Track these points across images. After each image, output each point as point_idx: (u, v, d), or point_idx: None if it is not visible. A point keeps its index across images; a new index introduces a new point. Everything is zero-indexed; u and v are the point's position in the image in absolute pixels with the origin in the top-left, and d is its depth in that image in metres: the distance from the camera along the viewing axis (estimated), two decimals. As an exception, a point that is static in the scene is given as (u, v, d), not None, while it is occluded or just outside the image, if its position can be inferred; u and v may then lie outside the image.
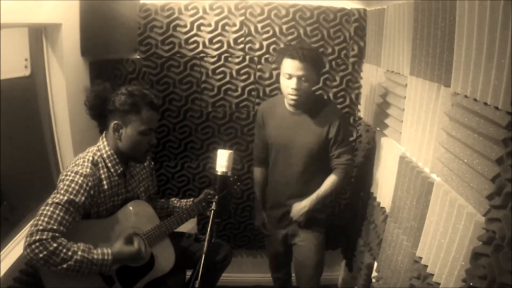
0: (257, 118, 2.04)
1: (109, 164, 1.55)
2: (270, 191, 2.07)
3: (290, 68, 1.74)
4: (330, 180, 1.90)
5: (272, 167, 2.02)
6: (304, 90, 1.77)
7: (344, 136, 1.87)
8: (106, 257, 1.40)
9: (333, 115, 1.85)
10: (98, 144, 1.58)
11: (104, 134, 1.60)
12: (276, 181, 2.02)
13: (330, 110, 1.88)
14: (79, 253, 1.33)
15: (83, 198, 1.41)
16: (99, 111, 1.55)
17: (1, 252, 1.55)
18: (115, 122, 1.53)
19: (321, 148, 1.87)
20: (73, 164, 1.48)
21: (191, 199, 1.89)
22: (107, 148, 1.56)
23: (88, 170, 1.46)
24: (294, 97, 1.78)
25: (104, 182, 1.53)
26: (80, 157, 1.52)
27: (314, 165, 1.90)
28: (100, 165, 1.53)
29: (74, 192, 1.39)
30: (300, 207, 1.91)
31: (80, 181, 1.41)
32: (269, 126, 1.97)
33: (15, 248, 1.60)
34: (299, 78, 1.74)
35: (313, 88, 2.01)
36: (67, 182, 1.40)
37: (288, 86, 1.77)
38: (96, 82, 1.62)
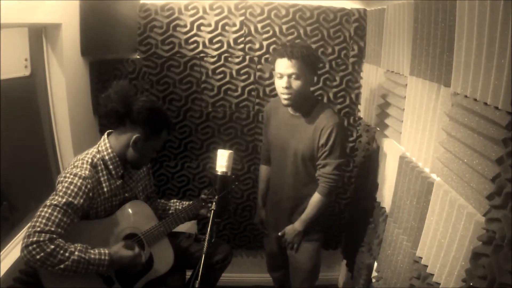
0: (264, 116, 2.05)
1: (111, 167, 1.55)
2: (270, 191, 2.07)
3: (280, 67, 1.71)
4: (314, 201, 1.84)
5: (271, 167, 2.03)
6: (296, 89, 1.71)
7: (334, 145, 1.74)
8: (103, 257, 1.40)
9: (328, 121, 1.75)
10: (98, 145, 1.56)
11: (106, 135, 1.59)
12: (273, 182, 2.02)
13: (327, 115, 1.77)
14: (76, 253, 1.32)
15: (81, 201, 1.40)
16: (119, 115, 1.52)
17: (1, 252, 1.55)
18: (137, 136, 1.53)
19: (314, 155, 1.81)
20: (72, 166, 1.47)
21: (191, 201, 1.88)
22: (109, 150, 1.55)
23: (87, 172, 1.45)
24: (285, 96, 1.73)
25: (103, 185, 1.53)
26: (78, 159, 1.50)
27: (307, 171, 1.85)
28: (99, 167, 1.52)
29: (73, 194, 1.38)
30: (292, 230, 1.90)
31: (79, 184, 1.40)
32: (270, 126, 1.96)
33: (15, 248, 1.60)
34: (289, 76, 1.69)
35: (313, 89, 1.97)
36: (66, 184, 1.39)
37: (280, 86, 1.73)
38: (119, 83, 1.58)
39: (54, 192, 1.39)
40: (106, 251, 1.42)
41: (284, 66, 1.69)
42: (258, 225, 2.21)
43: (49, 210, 1.32)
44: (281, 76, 1.72)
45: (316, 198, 1.84)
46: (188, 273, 1.92)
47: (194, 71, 2.30)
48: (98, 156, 1.53)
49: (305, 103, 1.80)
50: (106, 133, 1.60)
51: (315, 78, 1.84)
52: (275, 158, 1.97)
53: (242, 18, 2.23)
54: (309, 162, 1.83)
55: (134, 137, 1.52)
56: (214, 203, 1.40)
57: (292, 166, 1.86)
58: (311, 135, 1.78)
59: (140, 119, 1.52)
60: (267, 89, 2.34)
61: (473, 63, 1.13)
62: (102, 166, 1.53)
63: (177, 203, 1.91)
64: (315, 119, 1.78)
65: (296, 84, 1.71)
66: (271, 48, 2.27)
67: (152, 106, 1.56)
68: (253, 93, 2.34)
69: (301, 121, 1.82)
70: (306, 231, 1.91)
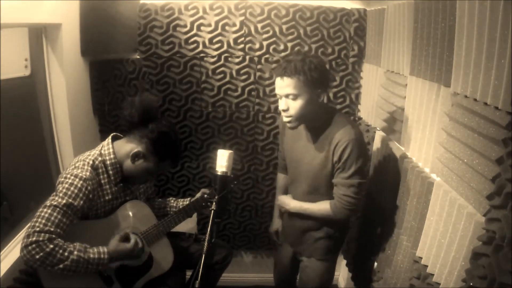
0: (279, 125, 1.90)
1: (111, 172, 1.54)
2: None
3: (277, 87, 1.54)
4: (322, 205, 1.65)
5: (289, 181, 1.89)
6: (296, 111, 1.52)
7: (347, 163, 1.53)
8: (102, 256, 1.40)
9: (343, 136, 1.53)
10: (101, 148, 1.55)
11: (110, 140, 1.57)
12: (291, 195, 1.89)
13: (342, 130, 1.55)
14: (75, 252, 1.33)
15: (81, 202, 1.40)
16: (132, 124, 1.53)
17: (1, 252, 1.55)
18: (139, 150, 1.52)
19: (328, 173, 1.63)
20: (73, 167, 1.47)
21: (188, 198, 1.89)
22: (112, 156, 1.53)
23: (88, 173, 1.44)
24: (286, 119, 1.57)
25: (104, 187, 1.53)
26: (80, 160, 1.50)
27: (321, 188, 1.68)
28: (100, 170, 1.51)
29: (73, 195, 1.38)
30: (286, 202, 1.79)
31: (79, 185, 1.40)
32: (285, 137, 1.82)
33: (15, 248, 1.60)
34: (286, 97, 1.52)
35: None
36: (66, 185, 1.39)
37: (279, 108, 1.57)
38: (151, 97, 1.58)
39: (54, 193, 1.39)
40: (105, 250, 1.42)
41: (280, 86, 1.52)
42: (272, 235, 2.07)
43: (49, 211, 1.32)
44: (280, 97, 1.55)
45: (325, 204, 1.65)
46: (188, 273, 1.92)
47: (194, 71, 2.30)
48: (100, 159, 1.52)
49: (315, 119, 1.61)
50: (111, 137, 1.58)
51: (324, 93, 1.61)
52: (291, 173, 1.84)
53: (242, 18, 2.23)
54: (324, 180, 1.66)
55: (136, 150, 1.52)
56: (214, 203, 1.40)
57: (307, 184, 1.72)
58: (325, 152, 1.60)
59: (150, 137, 1.52)
60: (267, 89, 2.34)
61: (473, 63, 1.13)
62: (103, 169, 1.53)
63: (172, 201, 1.90)
64: (329, 134, 1.59)
65: (294, 105, 1.51)
66: (271, 48, 2.27)
67: (168, 132, 1.55)
68: (253, 93, 2.34)
69: (314, 136, 1.65)
70: (320, 249, 1.80)
